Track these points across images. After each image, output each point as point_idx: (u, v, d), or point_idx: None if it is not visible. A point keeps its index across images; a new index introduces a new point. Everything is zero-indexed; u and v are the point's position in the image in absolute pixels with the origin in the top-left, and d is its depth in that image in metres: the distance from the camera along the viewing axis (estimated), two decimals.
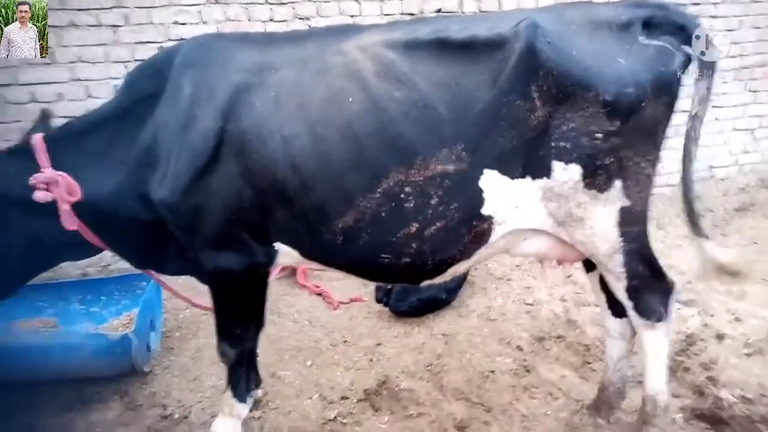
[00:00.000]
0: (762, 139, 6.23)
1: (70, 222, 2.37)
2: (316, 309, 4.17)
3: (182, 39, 4.29)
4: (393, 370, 3.37)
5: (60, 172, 2.34)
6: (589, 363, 3.38)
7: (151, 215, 2.38)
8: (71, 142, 2.44)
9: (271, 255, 2.47)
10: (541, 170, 2.19)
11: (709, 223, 5.31)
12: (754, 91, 6.04)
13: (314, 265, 2.54)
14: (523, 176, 2.20)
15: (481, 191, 2.20)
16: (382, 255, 2.31)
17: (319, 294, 4.34)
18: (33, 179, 2.32)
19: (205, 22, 4.38)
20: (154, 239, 2.53)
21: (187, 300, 3.04)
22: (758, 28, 5.88)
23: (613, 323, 2.71)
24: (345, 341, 3.73)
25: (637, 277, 2.38)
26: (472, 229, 2.26)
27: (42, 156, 2.36)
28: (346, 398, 3.15)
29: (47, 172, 2.34)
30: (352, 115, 2.16)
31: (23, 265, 2.50)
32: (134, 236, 2.54)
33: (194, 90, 2.26)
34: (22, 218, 2.40)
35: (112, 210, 2.41)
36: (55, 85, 4.21)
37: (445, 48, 2.18)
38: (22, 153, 2.41)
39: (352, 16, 4.70)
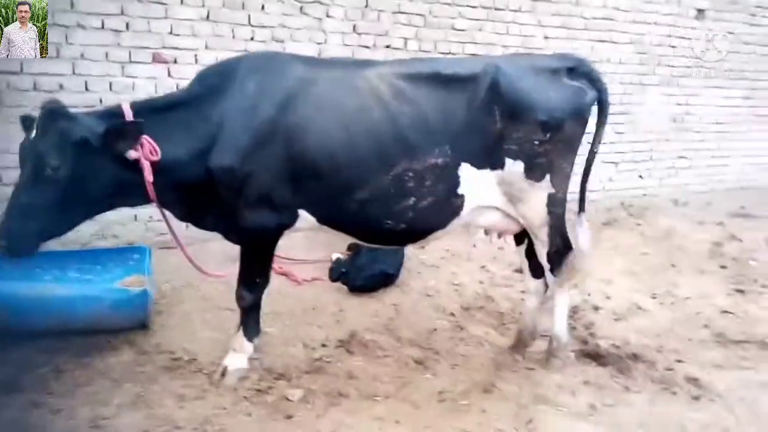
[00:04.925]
0: (623, 171, 7.93)
1: (148, 175, 2.90)
2: (284, 285, 4.89)
3: (175, 47, 4.92)
4: (358, 327, 4.19)
5: (145, 135, 2.89)
6: (504, 324, 4.43)
7: (207, 178, 3.03)
8: (154, 113, 3.01)
9: (294, 218, 3.26)
10: (498, 164, 3.24)
11: None
12: (619, 133, 7.71)
13: (326, 228, 3.37)
14: (485, 168, 3.24)
15: (458, 177, 3.21)
16: (386, 221, 3.21)
17: (284, 274, 5.07)
18: None
19: (195, 35, 5.01)
20: (201, 198, 3.16)
21: (197, 266, 3.61)
22: (623, 84, 7.56)
23: (533, 283, 3.79)
24: (314, 308, 4.51)
25: (555, 245, 3.47)
26: (451, 204, 3.25)
27: None
28: (325, 345, 3.92)
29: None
30: (374, 122, 3.09)
31: (100, 201, 3.02)
32: (185, 194, 3.14)
33: (258, 87, 3.06)
34: (106, 166, 2.89)
35: (179, 171, 3.02)
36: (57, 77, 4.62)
37: (437, 80, 3.18)
38: (113, 116, 2.93)
39: (318, 43, 5.55)
